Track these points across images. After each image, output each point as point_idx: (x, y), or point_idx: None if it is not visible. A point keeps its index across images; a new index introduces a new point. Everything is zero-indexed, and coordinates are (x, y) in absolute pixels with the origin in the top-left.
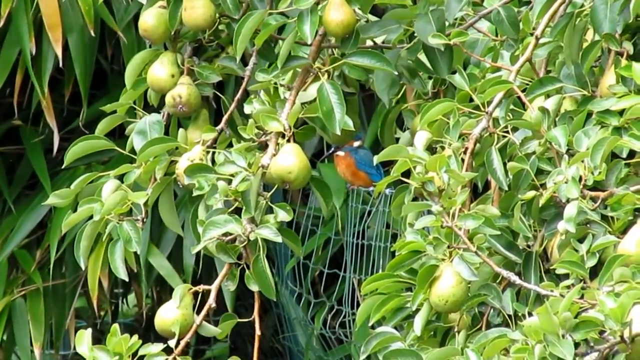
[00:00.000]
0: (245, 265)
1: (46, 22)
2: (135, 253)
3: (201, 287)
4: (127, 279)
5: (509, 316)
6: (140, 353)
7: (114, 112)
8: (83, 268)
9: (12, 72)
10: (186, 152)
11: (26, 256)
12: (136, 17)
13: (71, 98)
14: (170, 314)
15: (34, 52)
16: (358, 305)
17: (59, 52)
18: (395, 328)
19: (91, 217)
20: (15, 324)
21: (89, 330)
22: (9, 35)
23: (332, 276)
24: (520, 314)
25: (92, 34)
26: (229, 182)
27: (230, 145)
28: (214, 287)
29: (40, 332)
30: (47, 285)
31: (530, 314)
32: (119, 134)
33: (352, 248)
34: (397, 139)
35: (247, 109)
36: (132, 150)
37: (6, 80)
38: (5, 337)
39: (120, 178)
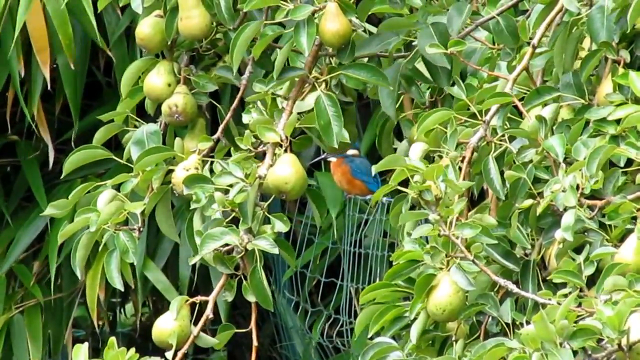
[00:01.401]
0: (242, 276)
1: (34, 45)
2: (131, 265)
3: (198, 299)
4: (123, 289)
5: (507, 325)
6: None
7: (111, 121)
8: (80, 278)
9: (5, 88)
10: (182, 161)
11: (25, 270)
12: (128, 30)
13: (66, 109)
14: (168, 326)
15: (22, 75)
16: (356, 314)
17: (47, 74)
18: (393, 337)
19: (88, 227)
20: (14, 340)
21: (86, 344)
22: None
23: (329, 285)
24: (518, 323)
25: (72, 67)
26: (226, 192)
27: (229, 154)
28: (211, 298)
29: (39, 349)
30: (45, 299)
31: (528, 323)
32: (114, 146)
33: (349, 257)
34: (395, 149)
35: (246, 119)
36: (130, 160)
37: (2, 93)
38: (3, 355)
39: (118, 188)
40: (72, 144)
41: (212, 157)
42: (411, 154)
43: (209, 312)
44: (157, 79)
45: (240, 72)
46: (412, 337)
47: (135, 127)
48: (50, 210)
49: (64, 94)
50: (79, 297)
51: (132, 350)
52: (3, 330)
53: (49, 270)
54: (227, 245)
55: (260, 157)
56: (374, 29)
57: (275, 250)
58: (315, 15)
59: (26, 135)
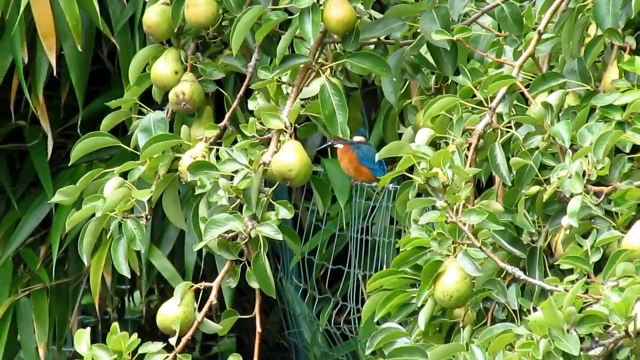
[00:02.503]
0: (246, 262)
1: (40, 31)
2: (137, 252)
3: (202, 285)
4: (129, 276)
5: (514, 311)
6: (139, 351)
7: (118, 108)
8: (86, 264)
9: (11, 75)
10: (189, 149)
11: (32, 254)
12: (132, 19)
13: (72, 94)
14: (172, 312)
15: (26, 61)
16: (363, 301)
17: (53, 60)
18: (401, 324)
19: (94, 214)
20: (20, 323)
21: (88, 329)
22: (1, 43)
23: (337, 272)
24: (525, 309)
25: (80, 49)
26: (231, 179)
27: (236, 141)
28: (215, 284)
29: (45, 332)
30: (50, 284)
31: (535, 309)
32: (121, 132)
33: (356, 244)
34: (401, 135)
35: (251, 105)
36: (136, 147)
37: (8, 80)
38: (8, 337)
39: (124, 175)
40: (78, 130)
41: (219, 144)
42: (417, 140)
43: (212, 298)
44: (165, 66)
45: (248, 60)
46: (419, 323)
47: (143, 114)
48: (57, 197)
49: (69, 80)
50: (85, 282)
51: (135, 335)
52: (9, 312)
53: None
54: (231, 231)
55: (266, 144)
56: (379, 16)
57: (279, 237)
58: (320, 2)
59: (33, 121)
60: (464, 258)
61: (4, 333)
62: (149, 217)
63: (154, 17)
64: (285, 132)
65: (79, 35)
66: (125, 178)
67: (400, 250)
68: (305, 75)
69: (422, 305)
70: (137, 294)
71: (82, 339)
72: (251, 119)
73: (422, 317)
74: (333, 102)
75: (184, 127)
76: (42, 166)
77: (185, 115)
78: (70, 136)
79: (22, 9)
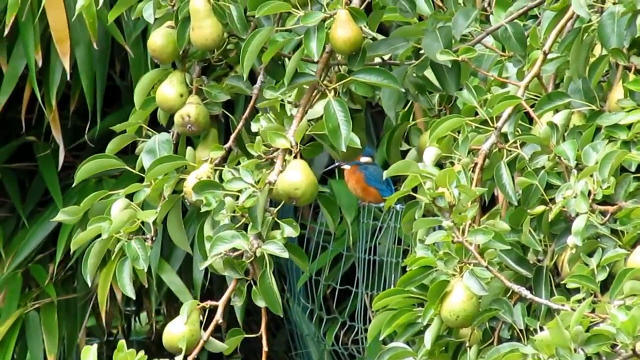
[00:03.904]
0: (252, 281)
1: (54, 36)
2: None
3: (208, 303)
4: (134, 297)
5: (520, 331)
6: None
7: (124, 131)
8: (89, 285)
9: (22, 89)
10: (194, 170)
11: (40, 270)
12: (144, 32)
13: (82, 114)
14: (178, 330)
15: (40, 64)
16: (370, 321)
17: (67, 65)
18: (407, 344)
19: (100, 235)
20: (29, 336)
21: (95, 346)
22: (15, 49)
23: (344, 292)
24: (532, 329)
25: (95, 46)
26: (236, 198)
27: (239, 163)
28: (221, 303)
29: (55, 344)
30: (59, 300)
31: (542, 329)
32: (131, 150)
33: (363, 264)
34: (403, 155)
35: (254, 127)
36: (142, 169)
37: (16, 96)
38: (18, 349)
39: (131, 196)
40: (89, 143)
41: (224, 166)
42: (425, 159)
43: (218, 317)
44: (170, 89)
45: (253, 81)
46: (425, 342)
47: (148, 137)
48: (60, 216)
49: (79, 93)
50: (93, 303)
51: (142, 352)
52: (18, 325)
53: (64, 271)
54: (236, 250)
55: (271, 164)
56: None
57: (285, 254)
58: (326, 23)
59: (44, 138)
60: (471, 277)
61: (12, 343)
62: (154, 238)
63: (159, 40)
64: (291, 151)
65: (95, 33)
66: (132, 199)
67: (407, 269)
68: (311, 95)
69: (428, 325)
70: (143, 315)
71: (88, 356)
72: (257, 138)
73: (428, 337)
74: (338, 117)
75: (189, 149)
76: (52, 182)
77: (191, 138)
78: (78, 156)
79: (38, 12)
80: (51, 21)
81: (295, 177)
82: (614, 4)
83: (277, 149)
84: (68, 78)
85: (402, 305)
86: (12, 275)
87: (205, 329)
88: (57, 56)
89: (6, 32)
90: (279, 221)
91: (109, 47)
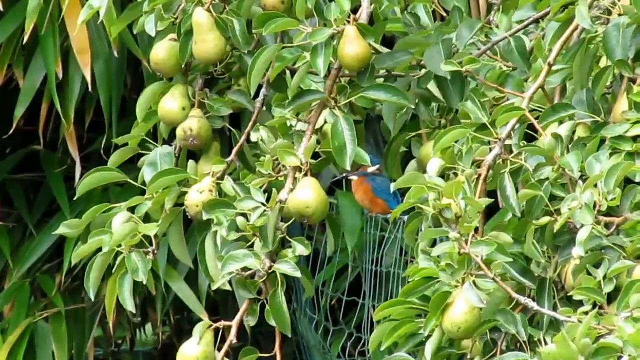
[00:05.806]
0: (265, 301)
1: (75, 47)
2: (155, 277)
3: (222, 324)
4: (135, 311)
5: (524, 342)
6: None
7: (127, 144)
8: (92, 299)
9: (37, 102)
10: (196, 183)
11: (48, 281)
12: None
13: (90, 125)
14: (192, 351)
15: (60, 77)
16: None
17: (88, 75)
18: (411, 354)
19: (101, 248)
20: (38, 346)
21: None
22: (33, 62)
23: (351, 303)
24: (536, 339)
25: (116, 54)
26: (246, 216)
27: (239, 178)
28: (234, 324)
29: (65, 354)
30: (67, 310)
31: (545, 340)
32: (138, 159)
33: (370, 275)
34: (403, 167)
35: (254, 137)
36: (144, 183)
37: (35, 105)
38: (27, 358)
39: (133, 209)
40: (102, 153)
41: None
42: (429, 170)
43: (232, 338)
44: (172, 103)
45: (255, 94)
46: (426, 354)
47: (150, 151)
48: (62, 230)
49: (94, 105)
50: (100, 314)
51: None
52: (26, 335)
53: (72, 281)
54: (247, 269)
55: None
56: (386, 51)
57: (298, 274)
58: (334, 39)
59: (49, 147)
60: (470, 289)
61: (21, 352)
62: (156, 251)
63: (161, 53)
64: (301, 169)
65: (116, 41)
66: (134, 212)
67: (409, 280)
68: (320, 112)
69: (429, 336)
70: (148, 326)
71: None
72: (267, 156)
73: (429, 348)
74: (345, 135)
75: (191, 162)
76: (60, 192)
77: (193, 151)
78: (86, 167)
79: (58, 23)
80: (71, 32)
81: (307, 195)
82: (620, 15)
83: (287, 167)
84: (90, 89)
85: (404, 316)
86: (20, 285)
87: (219, 349)
88: (75, 69)
89: (25, 39)
90: (290, 239)
91: (125, 60)
